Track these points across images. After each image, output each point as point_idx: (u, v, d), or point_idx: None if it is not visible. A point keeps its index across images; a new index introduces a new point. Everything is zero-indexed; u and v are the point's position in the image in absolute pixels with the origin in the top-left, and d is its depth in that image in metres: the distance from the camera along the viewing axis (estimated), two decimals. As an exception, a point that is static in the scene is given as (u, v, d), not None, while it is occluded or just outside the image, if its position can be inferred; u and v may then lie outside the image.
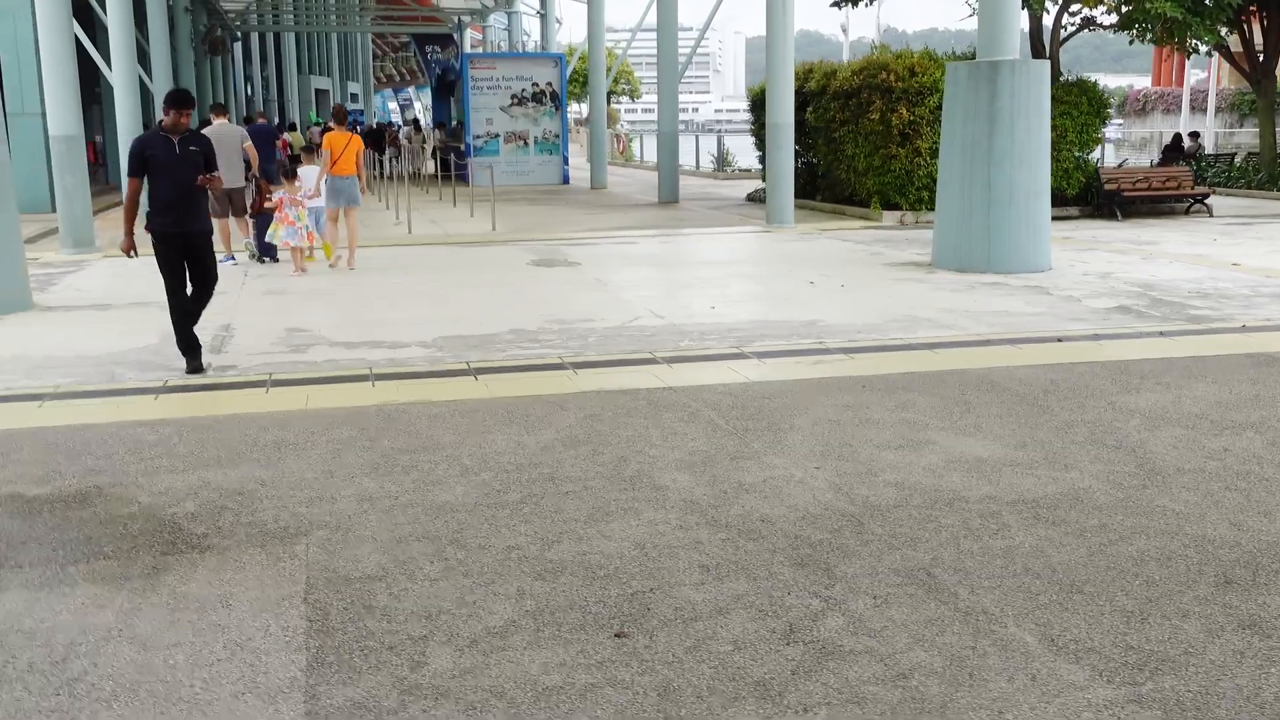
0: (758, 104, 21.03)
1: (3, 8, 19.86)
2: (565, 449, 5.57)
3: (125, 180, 7.58)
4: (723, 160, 29.38)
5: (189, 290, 7.44)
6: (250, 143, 13.17)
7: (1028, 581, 3.93)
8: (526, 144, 27.35)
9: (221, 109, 13.83)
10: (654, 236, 15.75)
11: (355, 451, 5.58)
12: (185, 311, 7.41)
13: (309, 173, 12.70)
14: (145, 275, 12.22)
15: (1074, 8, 20.59)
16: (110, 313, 9.78)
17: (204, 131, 14.52)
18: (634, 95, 57.75)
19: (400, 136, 34.64)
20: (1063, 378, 6.97)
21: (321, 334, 8.73)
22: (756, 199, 21.58)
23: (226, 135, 12.67)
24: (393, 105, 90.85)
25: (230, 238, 13.22)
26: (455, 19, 43.70)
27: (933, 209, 17.12)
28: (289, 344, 8.34)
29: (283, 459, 5.48)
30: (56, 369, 7.58)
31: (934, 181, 16.94)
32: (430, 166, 32.37)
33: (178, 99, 7.22)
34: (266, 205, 12.34)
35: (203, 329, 8.78)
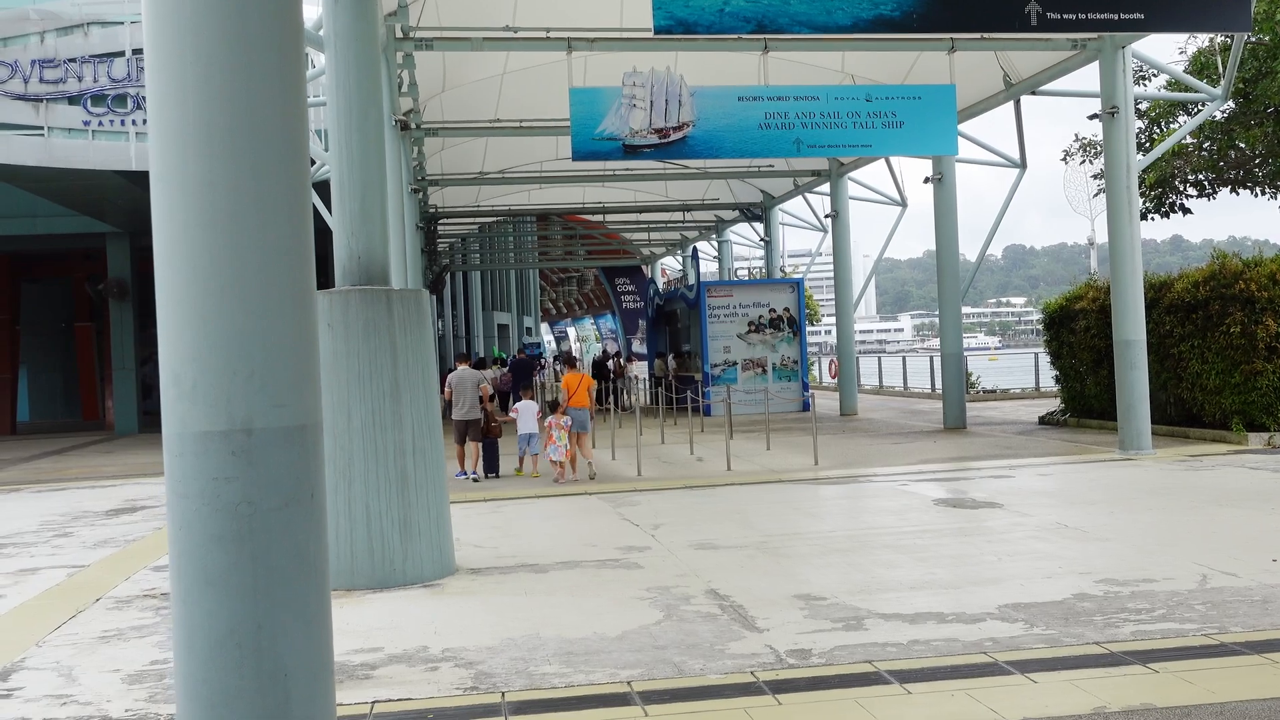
0: (1055, 320, 19.82)
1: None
2: None
3: None
4: (967, 382, 27.95)
5: None
6: (485, 383, 15.60)
7: None
8: (764, 371, 26.50)
9: (464, 357, 16.25)
10: (1011, 469, 14.19)
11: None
12: None
13: (527, 407, 15.66)
14: (515, 523, 11.05)
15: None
16: (551, 576, 8.59)
17: (450, 374, 15.27)
18: (814, 319, 57.29)
19: (622, 366, 34.49)
20: None
21: (842, 600, 7.36)
22: (1052, 421, 20.01)
23: (468, 377, 15.32)
24: (548, 337, 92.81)
25: (466, 459, 15.33)
26: (645, 251, 44.31)
27: (1309, 428, 15.38)
28: (827, 617, 6.96)
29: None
30: (593, 655, 6.32)
31: (1309, 398, 15.27)
32: (643, 399, 31.88)
33: None
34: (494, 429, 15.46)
35: (668, 593, 7.48)
